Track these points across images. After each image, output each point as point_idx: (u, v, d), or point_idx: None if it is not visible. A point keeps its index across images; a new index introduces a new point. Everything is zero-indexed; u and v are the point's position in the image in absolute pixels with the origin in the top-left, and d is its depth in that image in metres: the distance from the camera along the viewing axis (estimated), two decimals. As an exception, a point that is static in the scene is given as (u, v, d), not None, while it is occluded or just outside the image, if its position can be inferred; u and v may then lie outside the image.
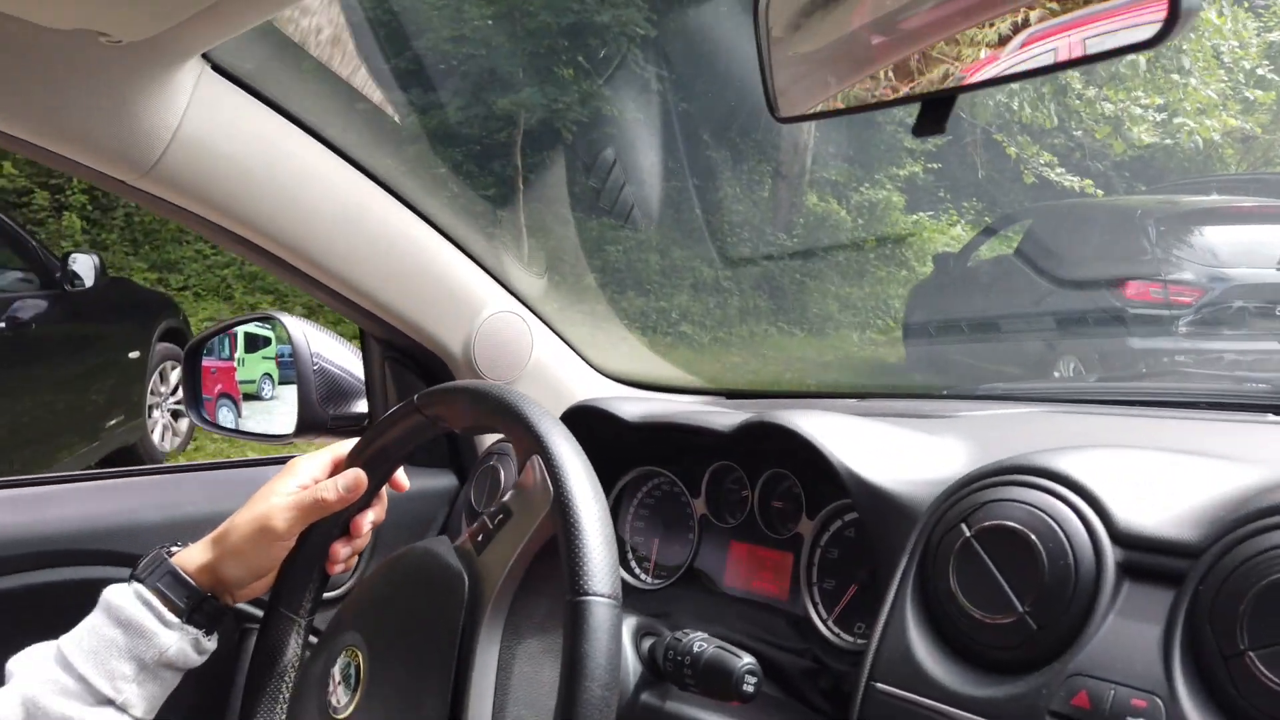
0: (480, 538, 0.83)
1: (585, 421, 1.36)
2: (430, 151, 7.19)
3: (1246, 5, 9.31)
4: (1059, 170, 7.95)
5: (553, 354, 1.58)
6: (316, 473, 0.96)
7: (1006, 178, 9.93)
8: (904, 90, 0.77)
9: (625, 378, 1.70)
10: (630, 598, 1.16)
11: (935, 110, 0.74)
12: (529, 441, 0.80)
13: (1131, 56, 6.45)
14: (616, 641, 0.71)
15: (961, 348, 5.97)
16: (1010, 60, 0.67)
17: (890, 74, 0.77)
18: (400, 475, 1.02)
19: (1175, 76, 6.72)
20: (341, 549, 0.98)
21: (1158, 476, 0.91)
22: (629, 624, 1.04)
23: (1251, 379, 1.45)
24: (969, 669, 0.85)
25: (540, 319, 1.57)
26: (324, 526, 0.97)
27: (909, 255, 9.58)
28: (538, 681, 0.80)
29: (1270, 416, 1.26)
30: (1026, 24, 0.65)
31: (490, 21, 7.59)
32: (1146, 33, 0.58)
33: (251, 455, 3.56)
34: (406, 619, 0.87)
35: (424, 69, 7.43)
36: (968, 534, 0.88)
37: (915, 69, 0.75)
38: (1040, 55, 0.66)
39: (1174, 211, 5.62)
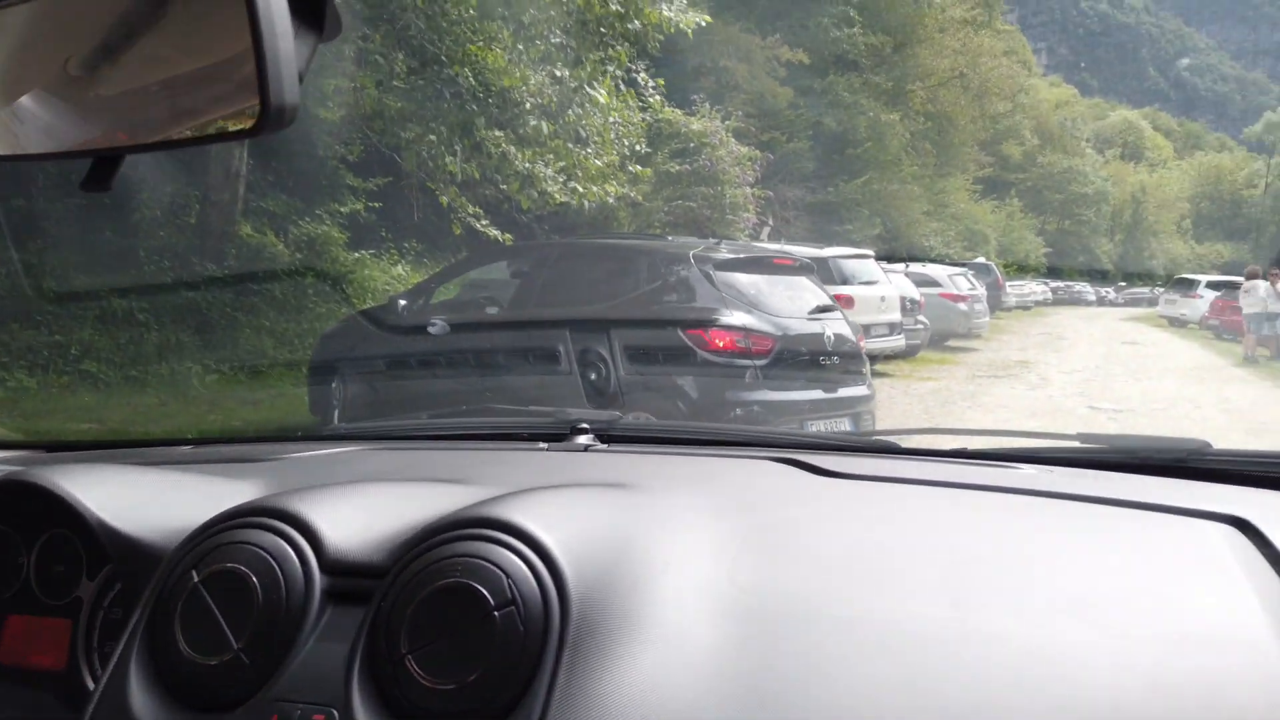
0: None
1: None
2: None
3: (635, 91, 11.19)
4: (484, 222, 8.62)
5: None
6: None
7: (447, 222, 10.54)
8: (75, 145, 0.77)
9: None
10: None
11: (102, 168, 0.75)
12: None
13: (534, 123, 7.34)
14: None
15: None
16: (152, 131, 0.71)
17: (73, 124, 0.76)
18: None
19: (571, 146, 7.80)
20: None
21: (385, 505, 1.00)
22: None
23: (538, 413, 1.69)
24: (186, 712, 0.86)
25: None
26: None
27: (350, 292, 9.60)
28: None
29: (541, 445, 1.50)
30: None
31: None
32: (247, 124, 0.67)
33: None
34: None
35: None
36: (195, 580, 0.90)
37: (90, 122, 0.76)
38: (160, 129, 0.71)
39: (719, 258, 5.59)
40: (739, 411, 5.09)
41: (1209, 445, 1.30)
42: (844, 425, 5.42)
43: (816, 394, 5.47)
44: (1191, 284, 27.83)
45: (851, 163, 24.71)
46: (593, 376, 5.28)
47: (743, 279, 5.52)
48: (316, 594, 0.89)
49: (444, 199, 8.37)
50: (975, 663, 0.77)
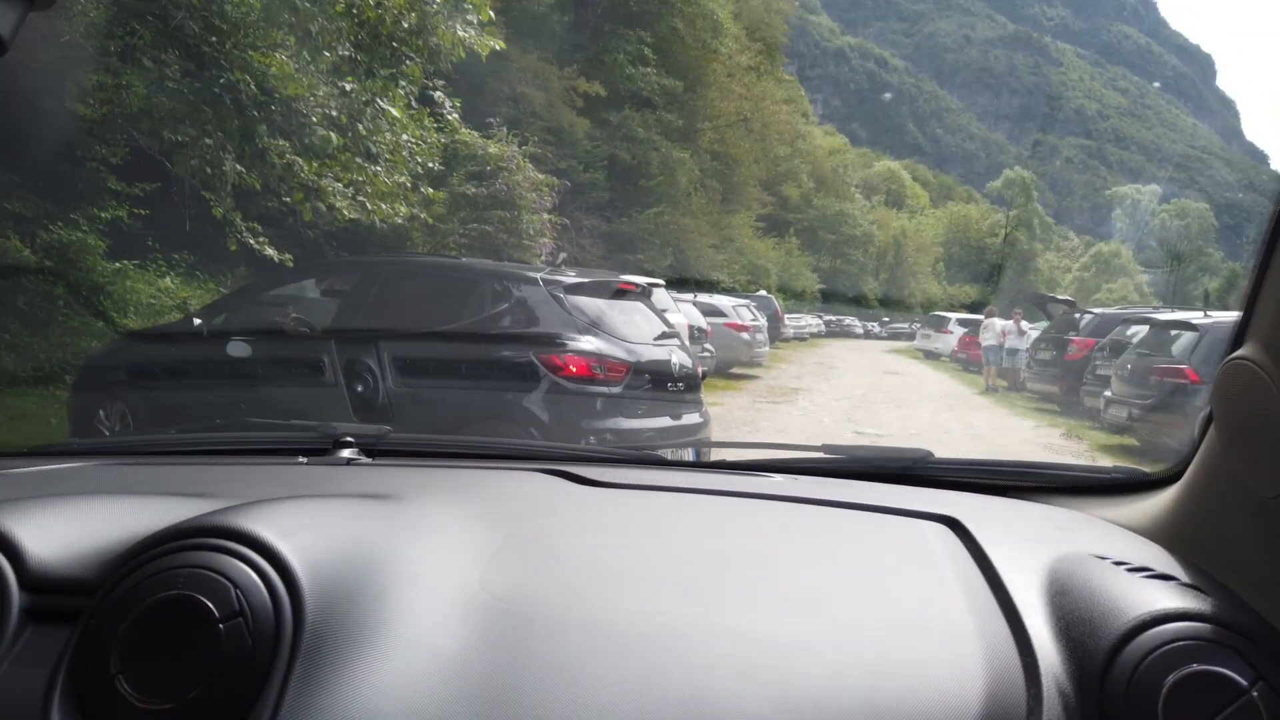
0: None
1: None
2: None
3: (429, 110, 11.01)
4: (261, 238, 8.11)
5: None
6: None
7: (223, 233, 9.86)
8: None
9: None
10: None
11: None
12: None
13: (321, 133, 7.04)
14: None
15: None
16: None
17: None
18: None
19: (359, 160, 7.56)
20: None
21: (105, 519, 0.95)
22: None
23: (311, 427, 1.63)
24: None
25: None
26: None
27: (107, 305, 8.77)
28: None
29: (301, 459, 1.46)
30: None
31: None
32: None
33: None
34: None
35: None
36: None
37: None
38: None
39: (567, 282, 5.40)
40: (591, 440, 4.89)
41: (931, 455, 1.48)
42: (687, 453, 5.31)
43: (664, 421, 5.36)
44: (943, 320, 30.78)
45: (644, 195, 25.51)
46: (410, 399, 5.08)
47: (591, 303, 5.37)
48: (14, 613, 0.83)
49: (218, 210, 7.81)
50: (709, 656, 0.83)
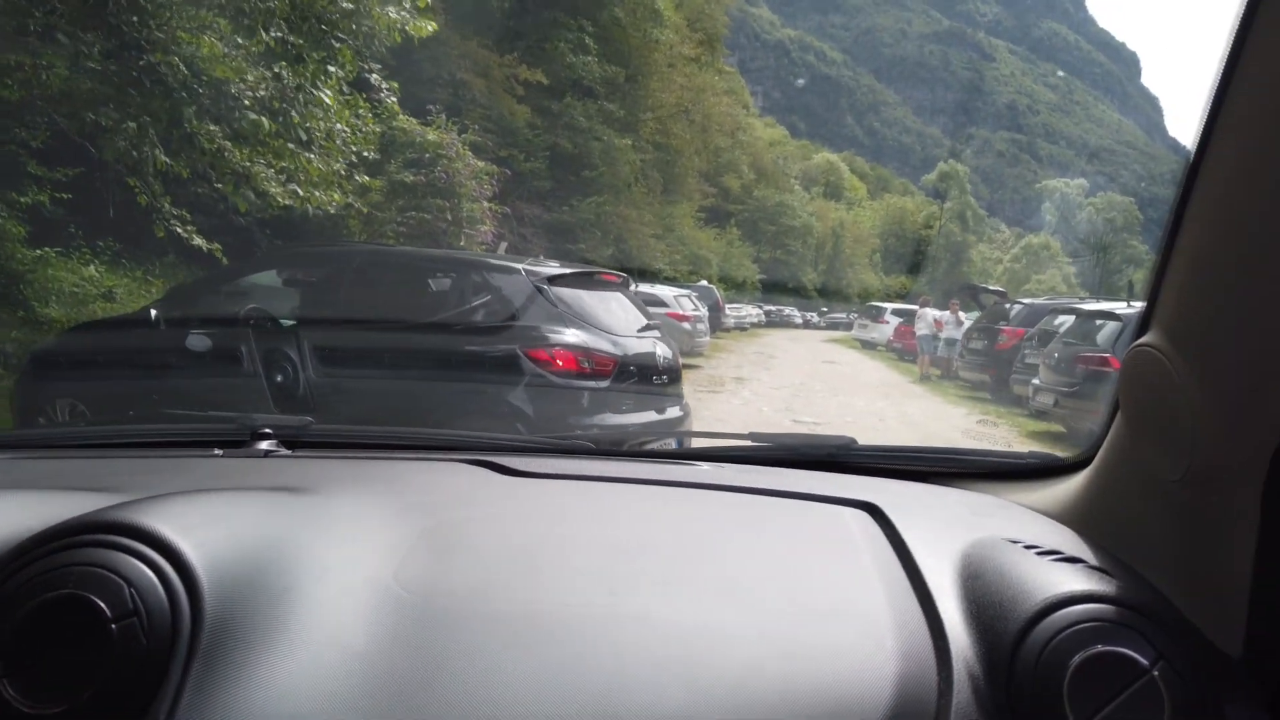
0: None
1: None
2: None
3: (365, 96, 10.80)
4: (190, 227, 7.87)
5: None
6: None
7: (150, 220, 9.55)
8: None
9: None
10: None
11: None
12: None
13: (253, 117, 6.86)
14: None
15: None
16: None
17: None
18: None
19: (291, 146, 7.36)
20: None
21: None
22: None
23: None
24: None
25: None
26: None
27: (28, 294, 8.44)
28: None
29: (216, 451, 1.41)
30: None
31: None
32: None
33: None
34: None
35: None
36: None
37: None
38: None
39: (550, 273, 5.24)
40: (577, 435, 4.69)
41: (854, 442, 1.50)
42: (671, 445, 5.16)
43: (650, 415, 5.24)
44: (880, 310, 31.34)
45: (586, 184, 25.44)
46: (384, 395, 4.89)
47: (574, 295, 5.23)
48: None
49: (144, 197, 7.54)
50: (625, 645, 0.83)
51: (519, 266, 5.26)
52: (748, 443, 1.52)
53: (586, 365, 4.86)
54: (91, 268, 9.98)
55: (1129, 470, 0.95)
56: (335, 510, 1.02)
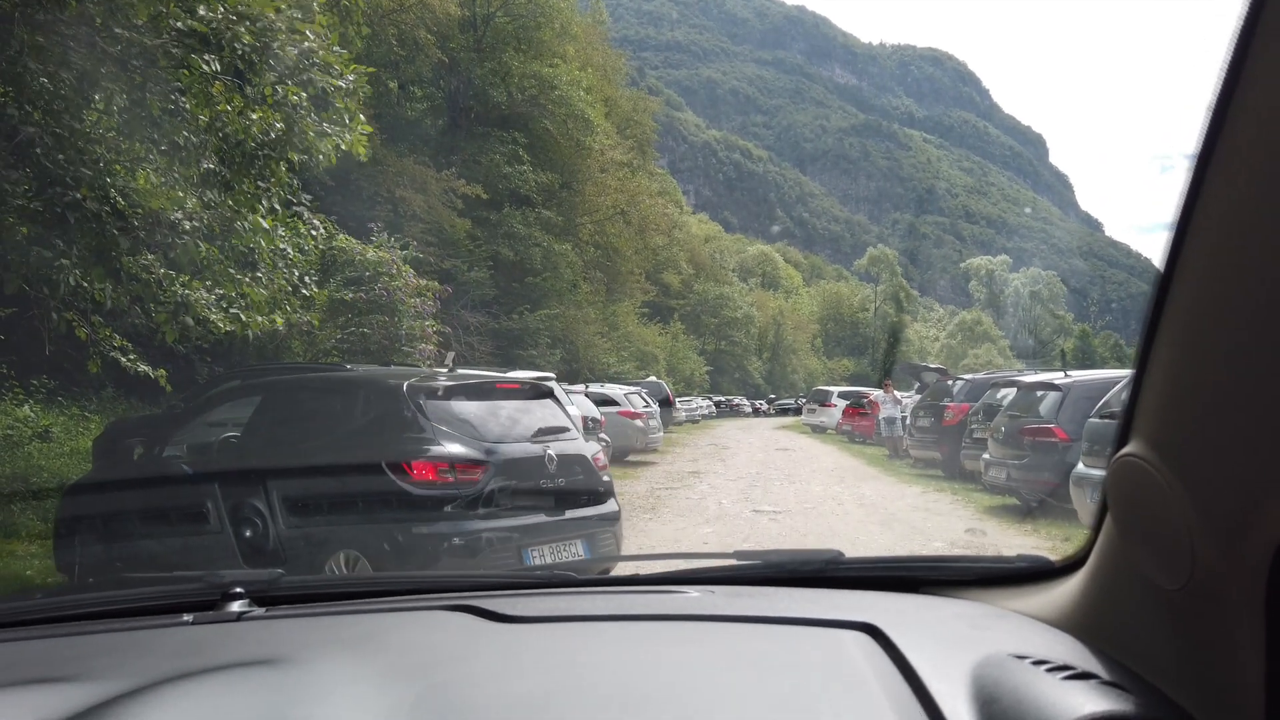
0: None
1: None
2: None
3: (303, 219, 10.82)
4: (131, 356, 7.73)
5: None
6: None
7: (85, 354, 9.33)
8: None
9: None
10: None
11: None
12: None
13: (191, 245, 6.81)
14: None
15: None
16: None
17: None
18: None
19: (232, 270, 7.32)
20: None
21: None
22: None
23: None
24: None
25: None
26: None
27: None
28: None
29: (186, 617, 1.34)
30: None
31: None
32: None
33: None
34: None
35: None
36: None
37: None
38: None
39: (432, 386, 5.38)
40: (447, 545, 4.80)
41: (842, 555, 1.49)
42: (575, 548, 5.28)
43: (539, 518, 5.25)
44: (827, 394, 31.78)
45: (530, 290, 25.68)
46: (280, 530, 4.96)
47: (458, 407, 5.33)
48: None
49: (82, 331, 7.40)
50: None
51: (400, 383, 5.37)
52: (733, 561, 1.50)
53: (448, 475, 4.91)
54: (26, 408, 9.68)
55: (1126, 577, 0.95)
56: (323, 681, 0.97)
